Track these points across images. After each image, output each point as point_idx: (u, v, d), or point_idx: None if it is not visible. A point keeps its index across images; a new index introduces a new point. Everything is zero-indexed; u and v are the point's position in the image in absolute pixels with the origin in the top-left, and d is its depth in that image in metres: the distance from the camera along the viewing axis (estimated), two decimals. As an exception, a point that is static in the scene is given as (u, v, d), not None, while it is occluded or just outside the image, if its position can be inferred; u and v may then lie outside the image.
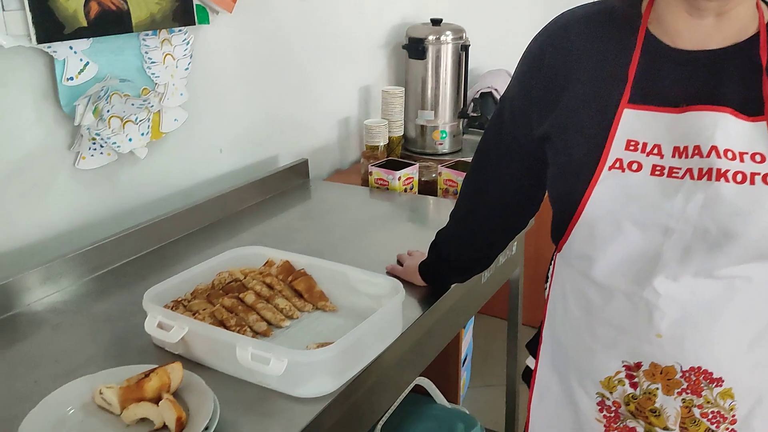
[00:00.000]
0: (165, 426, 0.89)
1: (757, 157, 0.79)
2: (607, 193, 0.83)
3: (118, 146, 1.49)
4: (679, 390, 0.88)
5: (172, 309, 1.17)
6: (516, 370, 1.86)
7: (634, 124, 0.84)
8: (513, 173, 1.03)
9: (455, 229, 1.19)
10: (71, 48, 1.36)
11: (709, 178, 0.79)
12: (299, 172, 1.99)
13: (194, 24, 1.59)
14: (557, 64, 0.90)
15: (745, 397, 0.87)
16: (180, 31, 1.58)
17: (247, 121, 1.89)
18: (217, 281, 1.27)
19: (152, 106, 1.55)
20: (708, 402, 0.88)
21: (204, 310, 1.18)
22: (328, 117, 2.23)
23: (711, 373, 0.86)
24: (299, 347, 1.10)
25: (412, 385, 1.70)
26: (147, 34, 1.50)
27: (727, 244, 0.80)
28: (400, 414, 1.69)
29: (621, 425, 0.93)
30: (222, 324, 1.14)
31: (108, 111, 1.45)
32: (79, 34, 1.34)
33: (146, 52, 1.51)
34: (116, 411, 0.92)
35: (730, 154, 0.79)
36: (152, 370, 0.93)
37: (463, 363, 2.15)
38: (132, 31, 1.44)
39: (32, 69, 1.33)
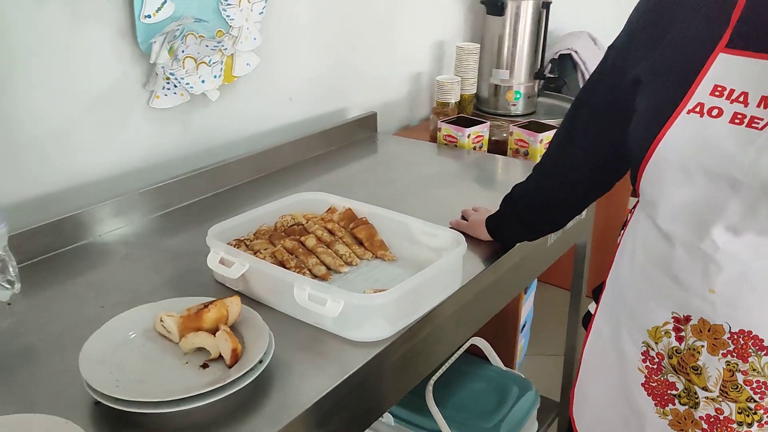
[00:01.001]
0: (221, 356, 0.90)
1: None
2: (681, 138, 0.82)
3: (191, 87, 1.51)
4: (725, 351, 0.86)
5: (234, 247, 1.19)
6: (576, 341, 1.81)
7: (727, 68, 0.81)
8: (604, 126, 1.01)
9: (536, 182, 1.17)
10: (149, -15, 1.37)
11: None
12: (367, 125, 1.97)
13: (271, -33, 1.57)
14: (663, 3, 0.89)
15: None
16: (256, -27, 1.57)
17: (318, 71, 1.87)
18: (279, 224, 1.28)
19: (226, 48, 1.56)
20: (754, 369, 0.85)
21: (265, 250, 1.19)
22: (400, 71, 2.19)
23: (762, 340, 0.83)
24: (356, 292, 1.09)
25: (468, 344, 1.69)
26: (223, -24, 1.50)
27: None
28: (454, 372, 1.67)
29: (662, 378, 0.92)
30: (282, 264, 1.15)
31: (183, 51, 1.47)
32: (158, -29, 1.35)
33: (222, -6, 1.51)
34: (175, 339, 0.94)
35: None
36: (211, 302, 0.94)
37: (522, 329, 2.11)
38: (209, -29, 1.44)
39: (111, 5, 1.35)
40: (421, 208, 1.43)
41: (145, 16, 1.38)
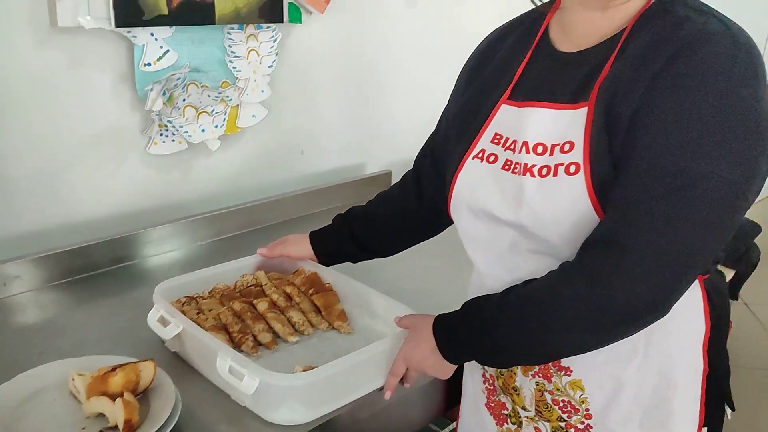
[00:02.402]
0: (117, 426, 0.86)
1: (567, 146, 0.81)
2: (465, 181, 0.92)
3: (190, 135, 1.51)
4: (533, 372, 0.92)
5: (183, 304, 1.15)
6: None
7: (504, 118, 0.90)
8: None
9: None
10: (152, 35, 1.39)
11: (522, 173, 0.84)
12: (381, 184, 1.92)
13: (282, 21, 1.57)
14: (471, 69, 1.01)
15: (597, 391, 0.88)
16: (269, 27, 1.57)
17: (334, 125, 1.85)
18: (240, 283, 1.24)
19: (230, 99, 1.56)
20: (558, 389, 0.91)
21: (210, 311, 1.14)
22: (425, 129, 2.14)
23: (559, 361, 0.89)
24: (294, 366, 1.03)
25: None
26: (232, 28, 1.51)
27: (539, 235, 0.83)
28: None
29: (496, 398, 1.00)
30: (225, 328, 1.10)
31: (184, 100, 1.48)
32: (159, 21, 1.37)
33: (230, 46, 1.52)
34: (82, 400, 0.90)
35: (540, 149, 0.83)
36: (121, 366, 0.90)
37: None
38: (214, 23, 1.45)
39: (112, 52, 1.37)
40: (400, 279, 1.35)
41: (145, 64, 1.40)
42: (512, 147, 0.87)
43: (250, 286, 1.21)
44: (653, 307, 0.76)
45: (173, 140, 1.51)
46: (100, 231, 1.44)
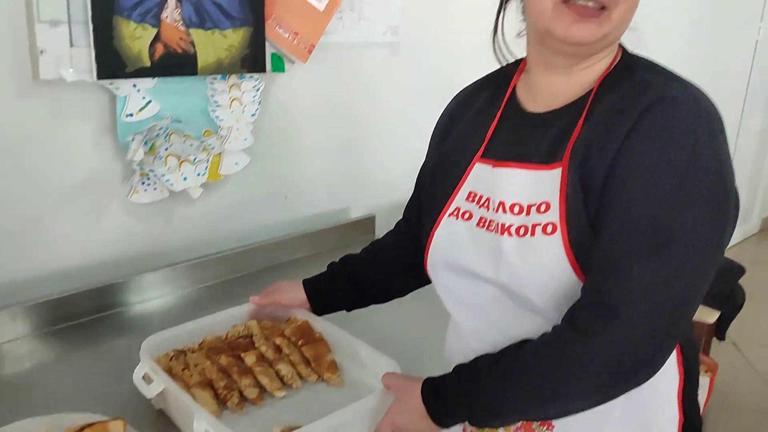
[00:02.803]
0: (87, 488, 0.84)
1: (543, 207, 0.82)
2: (441, 237, 0.94)
3: (172, 184, 1.52)
4: (515, 427, 0.93)
5: (171, 359, 1.14)
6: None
7: (478, 176, 0.92)
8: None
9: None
10: (134, 86, 1.40)
11: (499, 232, 0.86)
12: (365, 228, 1.93)
13: (265, 71, 1.59)
14: (443, 126, 1.05)
15: None
16: (251, 77, 1.59)
17: (317, 171, 1.86)
18: (231, 334, 1.22)
19: (213, 147, 1.57)
20: None
21: (196, 366, 1.13)
22: (407, 174, 2.15)
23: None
24: (276, 424, 1.01)
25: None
26: (215, 78, 1.53)
27: (519, 293, 0.85)
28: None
29: None
30: (210, 384, 1.09)
31: (166, 149, 1.49)
32: (141, 73, 1.38)
33: (212, 96, 1.54)
34: (51, 461, 0.89)
35: (516, 209, 0.85)
36: (90, 425, 0.89)
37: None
38: (196, 74, 1.47)
39: (94, 103, 1.38)
40: (390, 328, 1.34)
41: (127, 115, 1.41)
42: (486, 205, 0.89)
43: (240, 337, 1.20)
44: (648, 363, 0.78)
45: (155, 189, 1.51)
46: (82, 280, 1.43)
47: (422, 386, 0.90)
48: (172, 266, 1.54)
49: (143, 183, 1.49)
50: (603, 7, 0.79)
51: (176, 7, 1.39)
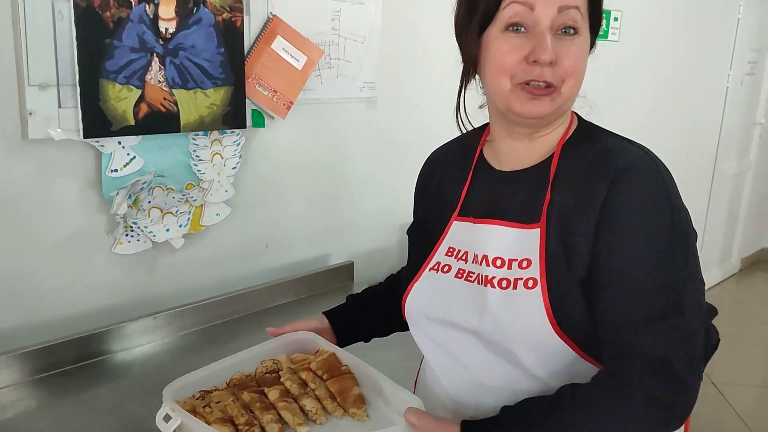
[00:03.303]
0: None
1: (524, 263, 0.89)
2: (421, 290, 1.01)
3: (154, 235, 1.58)
4: None
5: (198, 398, 1.10)
6: None
7: (456, 233, 1.00)
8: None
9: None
10: (120, 143, 1.48)
11: (483, 284, 0.92)
12: (344, 274, 1.99)
13: (245, 127, 1.68)
14: (419, 189, 1.14)
15: None
16: (233, 132, 1.67)
17: (297, 220, 1.93)
18: (260, 370, 1.19)
19: (195, 200, 1.64)
20: None
21: (218, 403, 1.09)
22: (388, 220, 2.23)
23: None
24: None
25: None
26: (197, 134, 1.61)
27: (500, 342, 0.90)
28: None
29: None
30: (231, 420, 1.09)
31: (149, 202, 1.55)
32: (126, 131, 1.46)
33: (194, 151, 1.61)
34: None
35: (499, 262, 0.92)
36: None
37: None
38: (179, 132, 1.55)
39: (80, 159, 1.45)
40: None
41: (112, 171, 1.48)
42: (464, 258, 0.97)
43: (267, 372, 1.18)
44: (692, 402, 0.86)
45: (138, 240, 1.57)
46: (66, 330, 1.48)
47: (462, 429, 0.88)
48: (154, 315, 1.59)
49: (127, 235, 1.55)
50: (553, 86, 0.88)
51: (160, 69, 1.48)
